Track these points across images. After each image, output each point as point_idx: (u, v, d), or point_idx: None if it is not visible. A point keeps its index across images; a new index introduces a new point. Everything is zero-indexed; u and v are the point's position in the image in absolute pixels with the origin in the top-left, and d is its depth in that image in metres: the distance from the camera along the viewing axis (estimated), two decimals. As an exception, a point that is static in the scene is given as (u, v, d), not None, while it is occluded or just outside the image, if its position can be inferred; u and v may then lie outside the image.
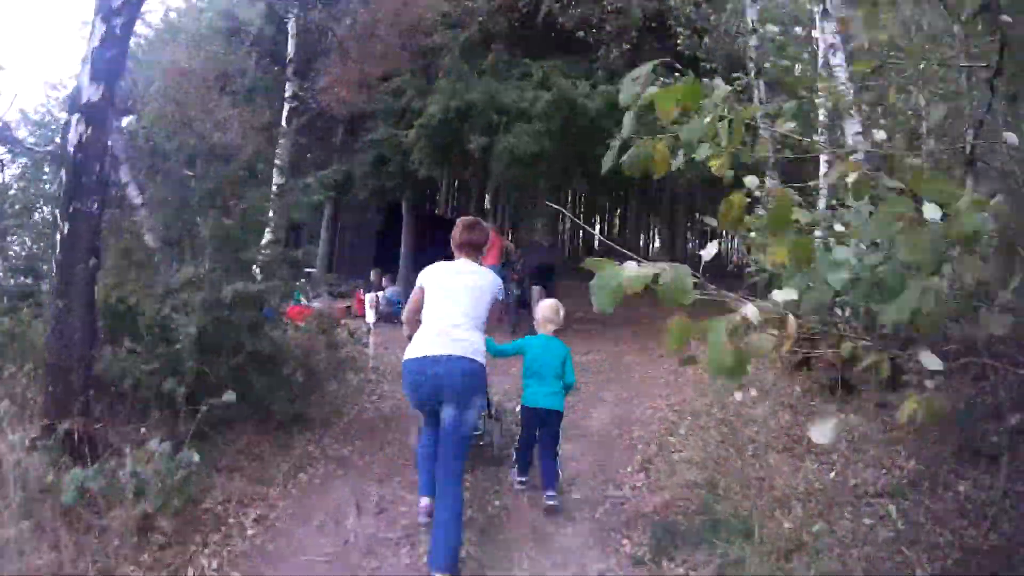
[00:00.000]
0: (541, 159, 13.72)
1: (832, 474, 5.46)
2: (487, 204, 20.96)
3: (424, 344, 4.34)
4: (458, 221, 4.89)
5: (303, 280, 13.85)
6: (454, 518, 4.08)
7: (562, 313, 5.71)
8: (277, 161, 10.63)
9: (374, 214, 23.40)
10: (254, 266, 6.83)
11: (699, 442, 6.71)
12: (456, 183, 27.43)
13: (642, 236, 32.40)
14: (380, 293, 14.34)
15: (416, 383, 4.35)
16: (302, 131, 14.73)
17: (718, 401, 8.00)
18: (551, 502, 5.14)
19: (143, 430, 5.27)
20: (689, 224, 36.31)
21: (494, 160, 13.77)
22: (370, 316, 9.71)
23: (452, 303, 4.42)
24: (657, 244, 36.35)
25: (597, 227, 44.00)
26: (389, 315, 13.54)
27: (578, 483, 5.95)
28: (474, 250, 4.74)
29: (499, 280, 4.77)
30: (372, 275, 16.06)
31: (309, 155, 17.07)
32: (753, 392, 7.55)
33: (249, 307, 5.94)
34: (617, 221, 42.20)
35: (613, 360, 11.16)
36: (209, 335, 5.64)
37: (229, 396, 5.01)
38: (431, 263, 4.73)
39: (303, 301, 13.44)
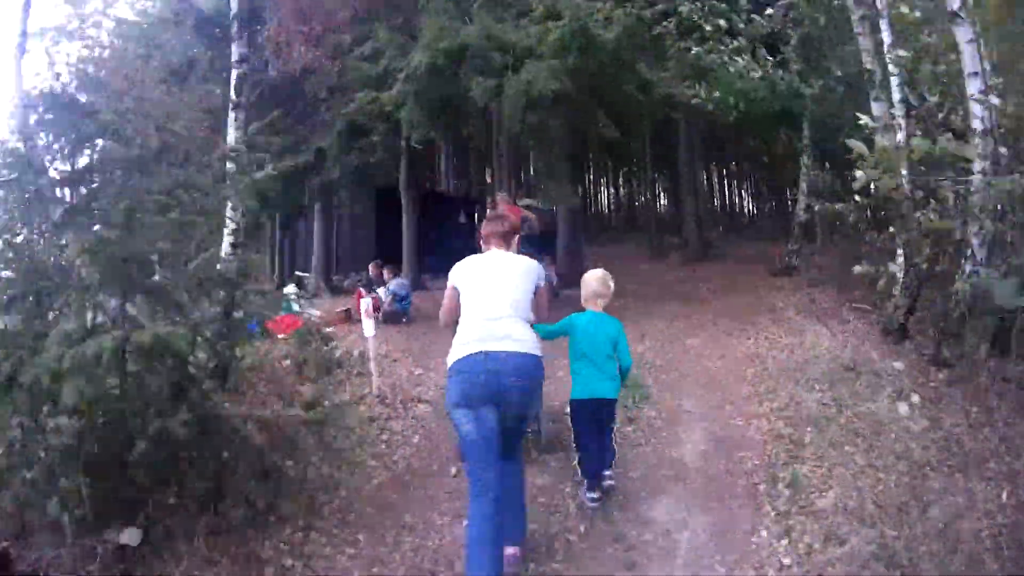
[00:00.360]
0: (562, 100, 11.44)
1: (1004, 495, 4.42)
2: (488, 176, 18.75)
3: (474, 338, 3.91)
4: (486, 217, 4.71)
5: (295, 286, 12.06)
6: (518, 488, 4.11)
7: (612, 284, 5.15)
8: (230, 140, 8.51)
9: (371, 200, 21.50)
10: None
11: (842, 472, 4.98)
12: (454, 154, 25.33)
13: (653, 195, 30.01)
14: (382, 289, 12.28)
15: (468, 382, 3.83)
16: (269, 110, 12.77)
17: (832, 396, 6.33)
18: (608, 482, 4.77)
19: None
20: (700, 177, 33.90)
21: (506, 104, 11.38)
22: (368, 328, 7.57)
23: (494, 296, 4.04)
24: (664, 202, 33.90)
25: (605, 190, 41.83)
26: (395, 314, 11.62)
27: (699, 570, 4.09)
28: (503, 239, 4.32)
29: (539, 265, 4.38)
30: (370, 269, 13.74)
31: (279, 137, 14.83)
32: (915, 399, 5.88)
33: (158, 373, 3.80)
34: (621, 180, 40.02)
35: (673, 347, 9.06)
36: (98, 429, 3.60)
37: (130, 536, 3.05)
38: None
39: (296, 308, 11.63)
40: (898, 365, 6.75)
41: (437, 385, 7.52)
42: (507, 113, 11.57)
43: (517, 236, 4.43)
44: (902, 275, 7.83)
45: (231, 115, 8.69)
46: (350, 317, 11.91)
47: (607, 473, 4.73)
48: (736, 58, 10.77)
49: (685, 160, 19.10)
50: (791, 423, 5.92)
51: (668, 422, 6.36)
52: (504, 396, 3.81)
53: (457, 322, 4.14)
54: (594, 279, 5.09)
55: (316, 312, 11.75)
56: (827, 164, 15.72)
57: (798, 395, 6.51)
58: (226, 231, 8.15)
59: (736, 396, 6.89)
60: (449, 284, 4.26)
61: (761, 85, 10.91)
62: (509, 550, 3.86)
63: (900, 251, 8.16)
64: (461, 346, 3.93)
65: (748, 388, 7.07)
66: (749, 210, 39.28)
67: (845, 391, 6.36)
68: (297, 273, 13.33)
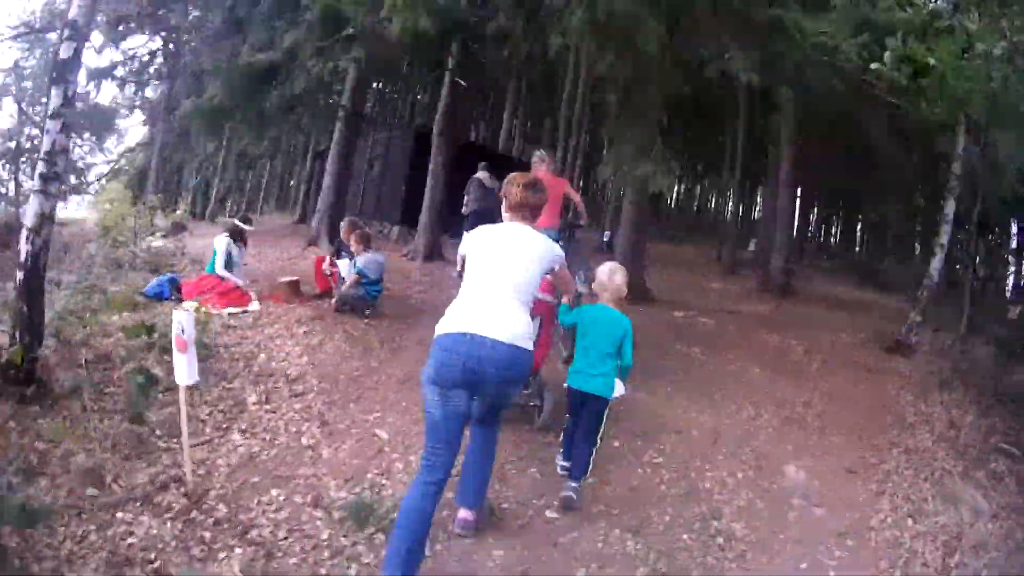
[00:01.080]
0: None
1: None
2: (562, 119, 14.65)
3: (464, 317, 3.57)
4: (514, 178, 3.98)
5: (227, 236, 8.58)
6: (486, 456, 3.97)
7: (620, 280, 4.76)
8: (73, 13, 5.05)
9: (408, 144, 18.16)
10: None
11: None
12: (522, 103, 21.49)
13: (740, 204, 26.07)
14: (344, 262, 8.59)
15: (445, 363, 3.47)
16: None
17: None
18: (568, 493, 4.49)
19: None
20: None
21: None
22: (180, 371, 4.09)
23: (497, 274, 3.68)
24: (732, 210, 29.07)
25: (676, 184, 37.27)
26: (356, 301, 8.03)
27: None
28: (531, 214, 3.90)
29: (557, 249, 3.94)
30: (342, 227, 9.22)
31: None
32: None
33: None
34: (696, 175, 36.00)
35: (763, 480, 5.31)
36: None
37: None
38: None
39: (228, 271, 8.27)
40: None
41: (329, 499, 4.20)
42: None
43: (542, 210, 3.98)
44: None
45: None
46: (298, 290, 8.47)
47: (573, 486, 4.49)
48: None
49: (786, 167, 15.32)
50: None
51: None
52: (482, 386, 3.51)
53: None
54: (604, 272, 4.79)
55: (239, 281, 8.28)
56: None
57: None
58: (39, 155, 4.90)
59: None
60: (459, 254, 4.02)
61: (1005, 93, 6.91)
62: (461, 513, 3.93)
63: None
64: (450, 320, 3.59)
65: None
66: (818, 238, 34.87)
67: None
68: (235, 221, 9.14)
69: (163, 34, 18.02)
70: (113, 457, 4.25)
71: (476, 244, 3.79)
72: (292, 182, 29.50)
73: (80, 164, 24.87)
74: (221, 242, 8.32)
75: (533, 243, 3.78)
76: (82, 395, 4.83)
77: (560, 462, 4.79)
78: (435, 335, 3.57)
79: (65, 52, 4.92)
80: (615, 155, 10.04)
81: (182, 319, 4.02)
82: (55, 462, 4.08)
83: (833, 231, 37.11)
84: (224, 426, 4.89)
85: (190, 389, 4.71)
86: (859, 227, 33.26)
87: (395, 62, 12.88)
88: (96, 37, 15.99)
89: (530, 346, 3.64)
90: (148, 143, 22.66)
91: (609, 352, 4.57)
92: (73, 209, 24.83)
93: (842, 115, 13.27)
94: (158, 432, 4.65)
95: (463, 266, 3.83)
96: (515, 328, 3.55)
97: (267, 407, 5.25)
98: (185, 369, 4.02)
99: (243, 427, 4.90)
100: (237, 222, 8.89)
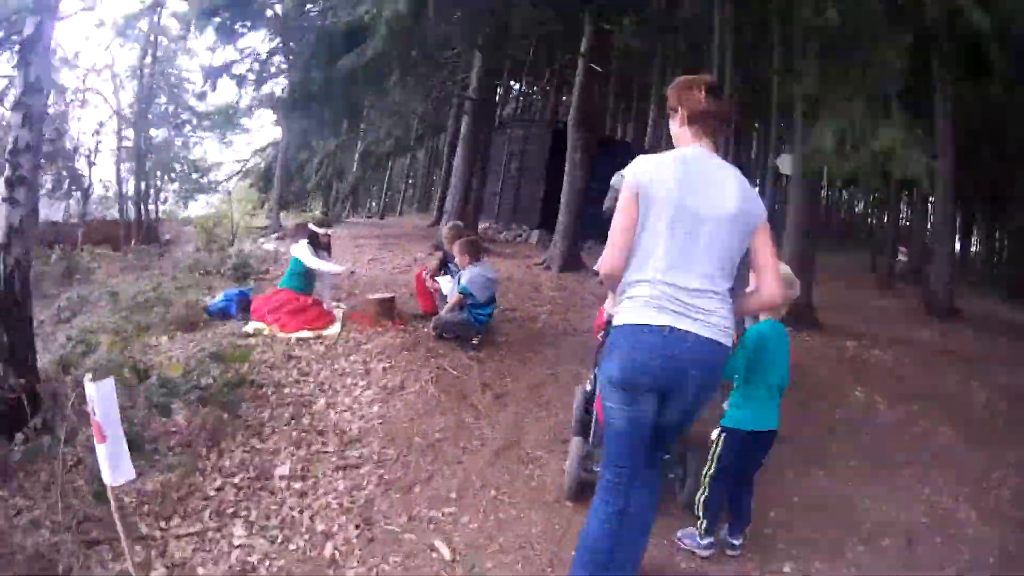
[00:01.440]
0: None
1: None
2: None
3: (661, 305, 2.66)
4: (687, 80, 2.88)
5: (307, 243, 7.20)
6: (647, 507, 2.93)
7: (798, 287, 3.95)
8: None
9: (545, 142, 16.93)
10: None
11: None
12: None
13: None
14: (445, 279, 7.18)
15: (638, 364, 2.68)
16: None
17: None
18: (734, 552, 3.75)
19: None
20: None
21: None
22: (106, 473, 2.72)
23: (696, 244, 2.67)
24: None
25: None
26: (459, 327, 6.56)
27: None
28: (718, 130, 2.85)
29: (755, 194, 2.85)
30: (444, 234, 7.82)
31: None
32: None
33: None
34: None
35: None
36: None
37: None
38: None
39: (315, 280, 7.10)
40: None
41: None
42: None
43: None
44: None
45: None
46: (392, 310, 7.04)
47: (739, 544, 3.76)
48: None
49: (948, 169, 12.75)
50: None
51: None
52: (679, 392, 2.73)
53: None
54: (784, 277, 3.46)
55: (328, 295, 7.04)
56: None
57: None
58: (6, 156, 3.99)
59: None
60: (624, 190, 2.70)
61: None
62: None
63: None
64: (640, 306, 2.67)
65: None
66: (966, 248, 30.96)
67: None
68: (310, 225, 7.58)
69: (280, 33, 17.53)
70: (73, 540, 3.09)
71: (657, 186, 2.65)
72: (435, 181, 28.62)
73: (202, 163, 24.98)
74: (301, 250, 6.98)
75: (730, 185, 2.71)
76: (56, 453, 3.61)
77: (730, 539, 3.76)
78: (617, 322, 2.77)
79: (28, 28, 3.96)
80: (833, 115, 7.21)
81: (93, 394, 2.58)
82: (18, 535, 3.12)
83: (973, 240, 33.71)
84: (229, 510, 3.51)
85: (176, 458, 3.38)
86: (998, 235, 29.78)
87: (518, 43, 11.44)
88: (209, 35, 15.72)
89: (729, 342, 2.79)
90: (278, 142, 22.30)
91: (783, 375, 3.69)
92: (202, 207, 25.09)
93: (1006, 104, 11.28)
94: (145, 510, 3.38)
95: (631, 221, 2.68)
96: (716, 318, 2.70)
97: (298, 484, 3.84)
98: (106, 464, 2.63)
99: (253, 515, 3.51)
100: (311, 226, 7.50)
